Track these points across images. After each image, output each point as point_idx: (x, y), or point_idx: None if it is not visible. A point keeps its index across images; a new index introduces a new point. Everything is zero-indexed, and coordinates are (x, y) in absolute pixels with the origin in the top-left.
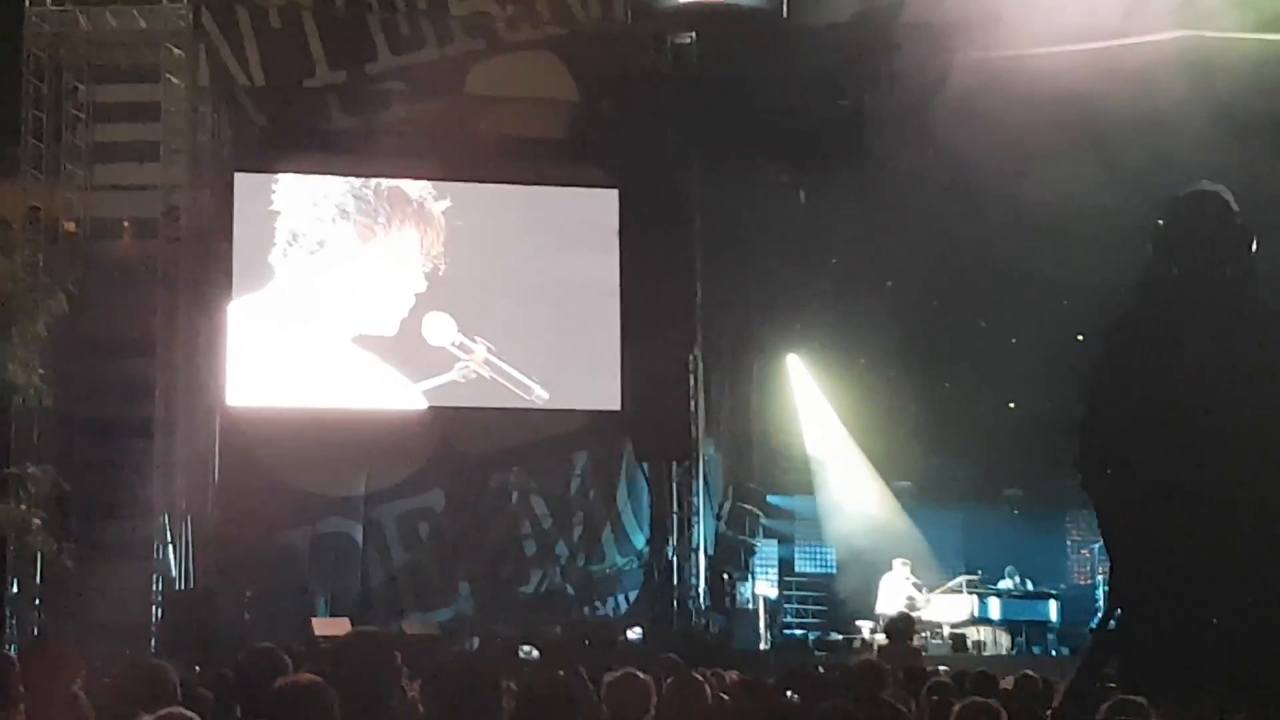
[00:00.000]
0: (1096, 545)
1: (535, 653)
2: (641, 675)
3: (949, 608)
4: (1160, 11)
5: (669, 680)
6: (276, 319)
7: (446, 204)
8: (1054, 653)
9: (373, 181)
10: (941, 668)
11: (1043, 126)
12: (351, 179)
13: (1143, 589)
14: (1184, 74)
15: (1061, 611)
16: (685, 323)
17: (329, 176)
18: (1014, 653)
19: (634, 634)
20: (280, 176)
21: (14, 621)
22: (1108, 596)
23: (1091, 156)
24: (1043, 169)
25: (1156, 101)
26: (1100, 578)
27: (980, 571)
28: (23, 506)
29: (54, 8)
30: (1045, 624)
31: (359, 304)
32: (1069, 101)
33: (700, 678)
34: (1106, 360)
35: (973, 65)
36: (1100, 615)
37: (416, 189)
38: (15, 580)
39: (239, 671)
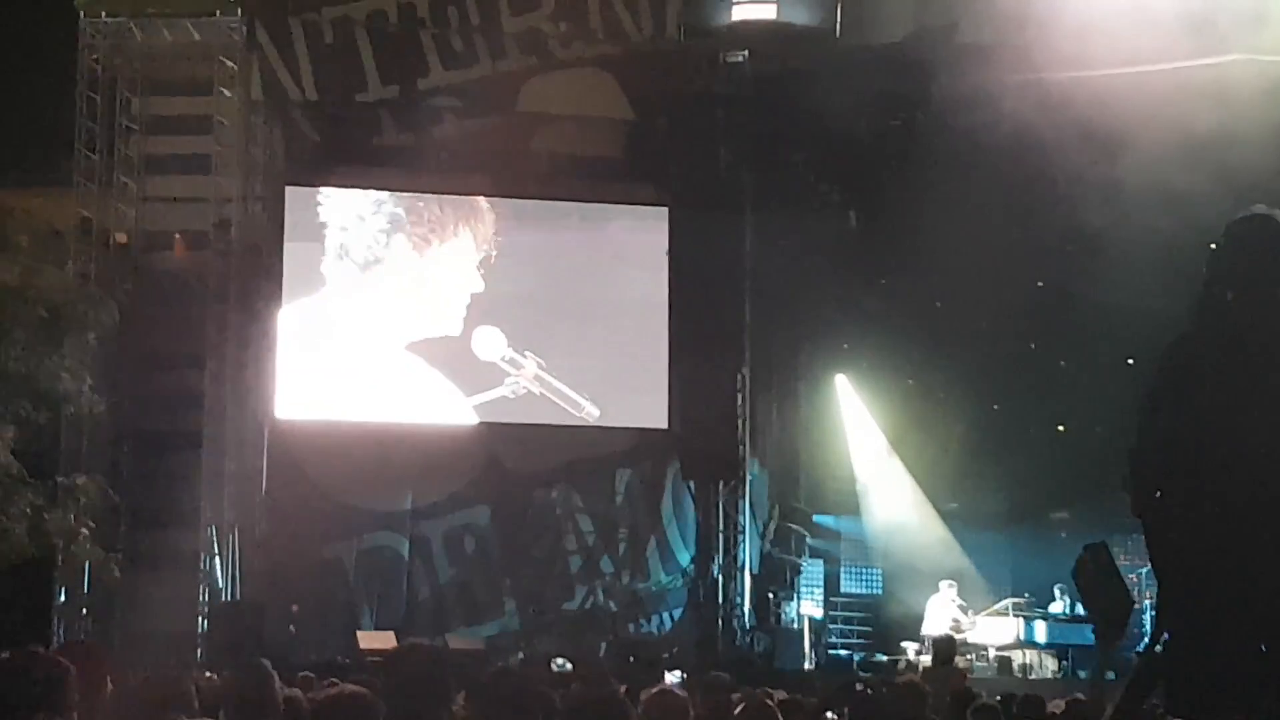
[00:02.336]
0: (1144, 570)
1: (569, 665)
2: (679, 692)
3: (995, 630)
4: (1219, 35)
5: (741, 708)
6: (327, 333)
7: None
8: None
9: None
10: (1000, 695)
11: (1096, 149)
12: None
13: (1191, 614)
14: (1241, 98)
15: None
16: (734, 342)
17: (380, 191)
18: (1060, 676)
19: (673, 678)
20: (329, 189)
21: (62, 630)
22: (1154, 620)
23: (1145, 179)
24: (1096, 191)
25: (1213, 125)
26: (1148, 602)
27: (1027, 594)
28: (72, 516)
29: (108, 20)
30: (1092, 648)
31: (418, 312)
32: (1123, 124)
33: (773, 704)
34: (1159, 383)
35: (1027, 87)
36: (1147, 639)
37: None
38: (63, 589)
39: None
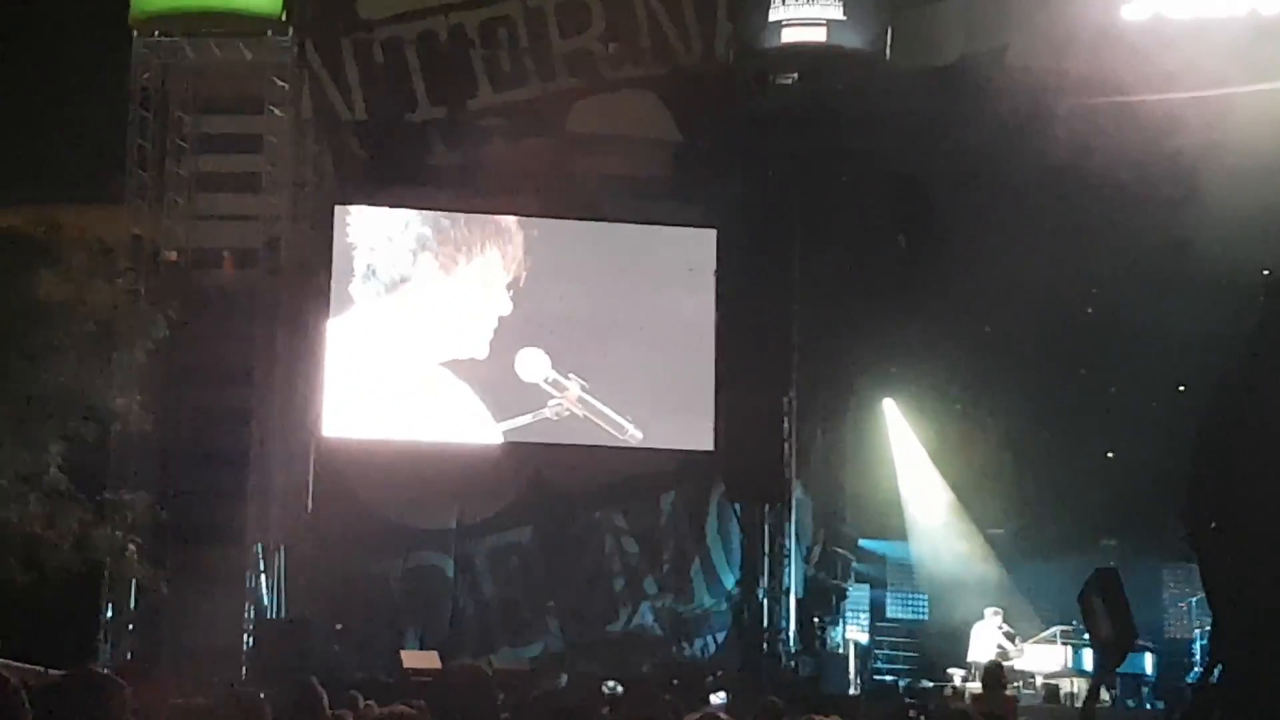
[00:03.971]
0: (1194, 599)
1: (619, 688)
2: (723, 716)
3: (1042, 658)
4: (1275, 59)
5: None
6: (368, 350)
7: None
8: (1149, 706)
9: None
10: None
11: (1148, 174)
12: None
13: (1247, 645)
14: None
15: (1157, 665)
16: (780, 364)
17: (409, 212)
18: (1108, 705)
19: (718, 699)
20: (356, 208)
21: (109, 646)
22: (1207, 651)
23: (1199, 204)
24: (1148, 217)
25: (1268, 150)
26: (1198, 632)
27: (1075, 622)
28: (119, 533)
29: (161, 39)
30: (1140, 677)
31: (444, 332)
32: (1175, 149)
33: None
34: (1216, 412)
35: (1078, 111)
36: (1200, 670)
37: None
38: (111, 605)
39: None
